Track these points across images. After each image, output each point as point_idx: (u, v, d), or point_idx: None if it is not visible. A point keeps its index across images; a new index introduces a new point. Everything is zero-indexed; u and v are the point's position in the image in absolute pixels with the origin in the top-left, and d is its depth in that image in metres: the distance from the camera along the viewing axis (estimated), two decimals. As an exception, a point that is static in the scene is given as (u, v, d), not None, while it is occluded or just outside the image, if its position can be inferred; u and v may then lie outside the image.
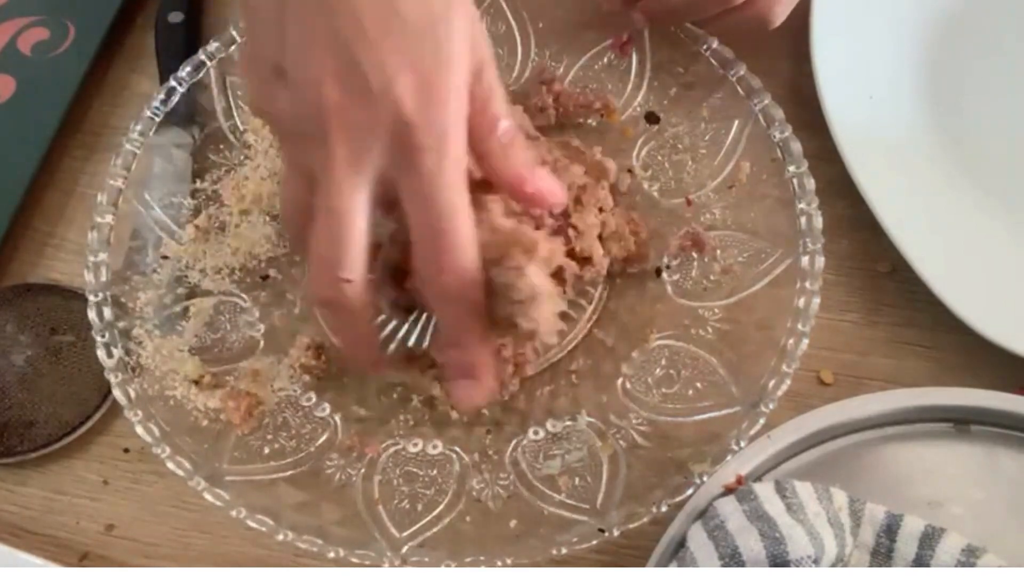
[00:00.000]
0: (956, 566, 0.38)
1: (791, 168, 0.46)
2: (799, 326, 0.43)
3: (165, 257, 0.48)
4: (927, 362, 0.49)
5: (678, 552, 0.40)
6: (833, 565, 0.39)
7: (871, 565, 0.40)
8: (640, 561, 0.42)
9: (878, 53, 0.54)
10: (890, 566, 0.40)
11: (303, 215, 0.37)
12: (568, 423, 0.46)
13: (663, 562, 0.40)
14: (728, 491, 0.41)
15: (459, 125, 0.35)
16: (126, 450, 0.49)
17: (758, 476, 0.42)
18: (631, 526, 0.40)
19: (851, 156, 0.50)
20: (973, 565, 0.38)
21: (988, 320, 0.46)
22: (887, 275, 0.51)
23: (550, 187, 0.39)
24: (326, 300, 0.37)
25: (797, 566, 0.37)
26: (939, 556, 0.39)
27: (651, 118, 0.51)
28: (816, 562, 0.37)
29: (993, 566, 0.38)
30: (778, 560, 0.37)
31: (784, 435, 0.42)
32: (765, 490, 0.40)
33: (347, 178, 0.35)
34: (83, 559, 0.46)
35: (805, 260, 0.44)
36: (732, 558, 0.38)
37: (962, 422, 0.43)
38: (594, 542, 0.40)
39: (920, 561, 0.39)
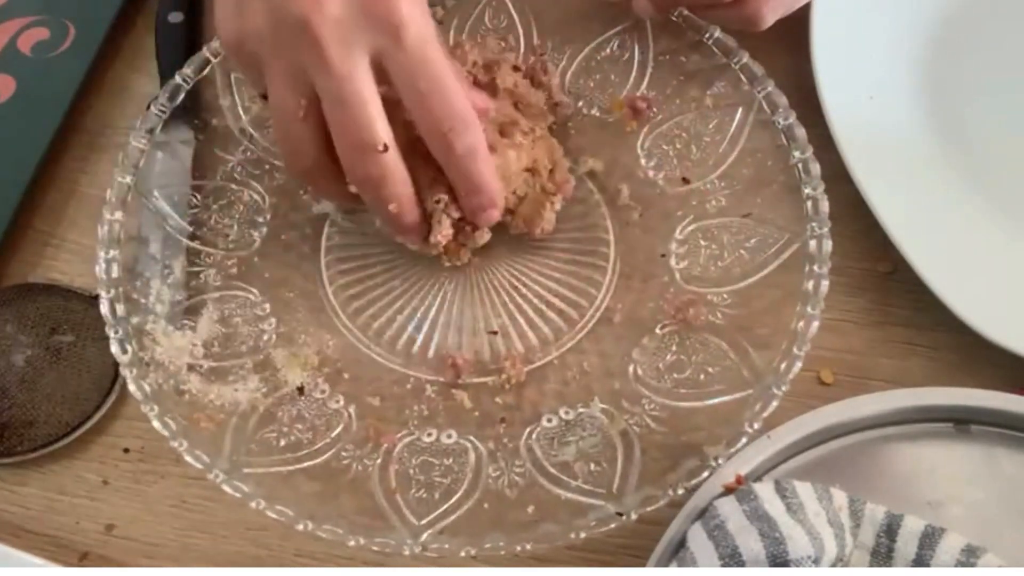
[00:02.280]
0: (956, 566, 0.38)
1: (796, 154, 0.47)
2: (809, 309, 0.43)
3: (179, 253, 0.48)
4: (927, 362, 0.49)
5: (678, 552, 0.40)
6: (833, 565, 0.39)
7: (871, 565, 0.40)
8: (640, 561, 0.42)
9: (878, 53, 0.54)
10: (890, 566, 0.40)
11: (303, 122, 0.40)
12: (581, 410, 0.46)
13: (663, 562, 0.40)
14: (728, 491, 0.41)
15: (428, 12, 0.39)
16: (126, 450, 0.49)
17: (758, 476, 0.42)
18: (648, 509, 0.41)
19: (851, 156, 0.50)
20: (973, 565, 0.38)
21: (988, 320, 0.46)
22: (887, 275, 0.51)
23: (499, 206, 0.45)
24: (372, 178, 0.41)
25: (797, 566, 0.37)
26: (939, 556, 0.39)
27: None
28: (816, 562, 0.37)
29: (993, 566, 0.38)
30: (778, 560, 0.37)
31: (784, 435, 0.42)
32: (765, 490, 0.40)
33: (344, 61, 0.38)
34: (83, 559, 0.46)
35: (813, 244, 0.45)
36: (732, 558, 0.38)
37: (962, 422, 0.43)
38: (612, 526, 0.40)
39: (920, 561, 0.39)
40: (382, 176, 0.41)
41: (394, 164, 0.41)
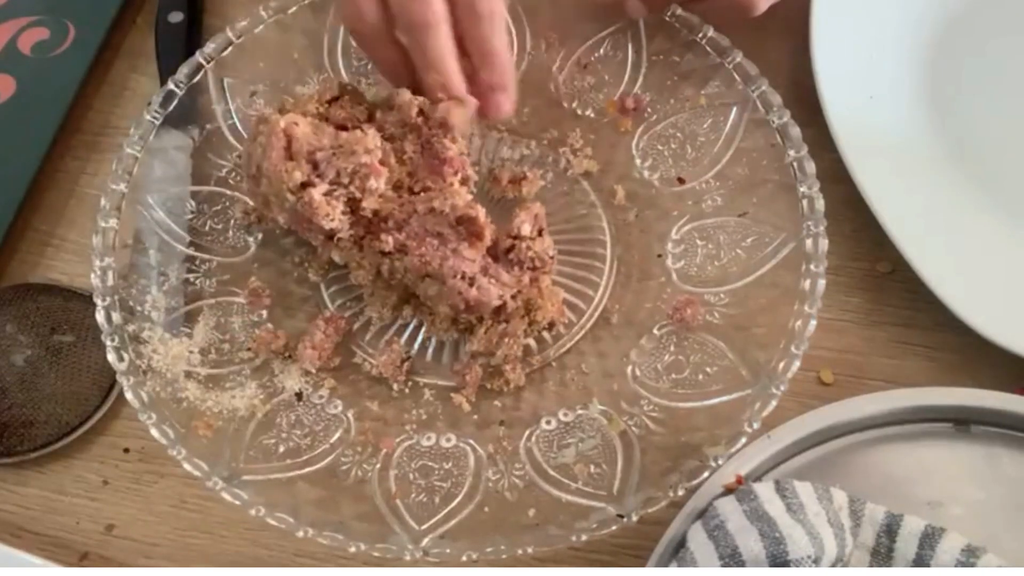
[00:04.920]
0: (956, 566, 0.38)
1: (791, 153, 0.47)
2: (806, 308, 0.43)
3: (175, 260, 0.48)
4: (927, 362, 0.49)
5: (678, 552, 0.40)
6: (833, 565, 0.39)
7: (871, 565, 0.40)
8: (640, 561, 0.42)
9: (878, 53, 0.54)
10: (890, 566, 0.40)
11: None
12: (580, 412, 0.46)
13: (663, 562, 0.40)
14: (728, 491, 0.41)
15: None
16: (126, 450, 0.49)
17: (758, 476, 0.42)
18: (649, 510, 0.41)
19: (851, 156, 0.50)
20: (973, 565, 0.38)
21: (988, 320, 0.46)
22: (887, 275, 0.51)
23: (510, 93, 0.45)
24: (418, 24, 0.43)
25: (797, 566, 0.37)
26: (939, 556, 0.39)
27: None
28: (816, 562, 0.38)
29: (993, 566, 0.38)
30: (778, 560, 0.37)
31: (784, 435, 0.43)
32: (765, 490, 0.40)
33: None
34: (83, 559, 0.47)
35: (809, 243, 0.45)
36: (732, 558, 0.38)
37: (962, 422, 0.43)
38: (613, 528, 0.40)
39: (920, 561, 0.39)
40: (428, 23, 0.42)
41: (442, 13, 0.42)
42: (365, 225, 0.44)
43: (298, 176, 0.42)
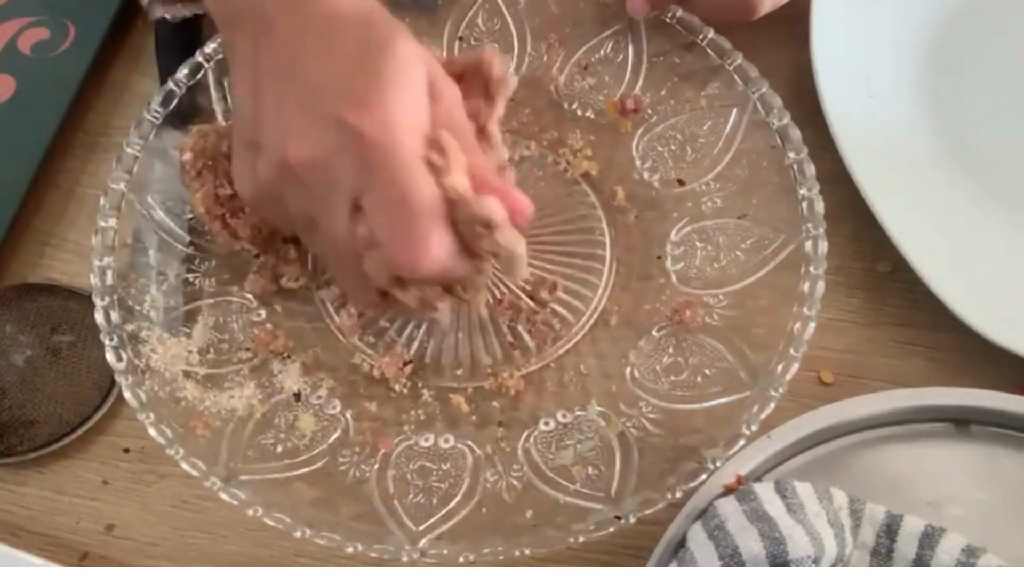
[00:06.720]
0: (956, 566, 0.38)
1: (791, 155, 0.47)
2: (805, 310, 0.43)
3: (174, 259, 0.48)
4: (927, 362, 0.49)
5: (678, 552, 0.40)
6: (833, 565, 0.39)
7: (871, 565, 0.40)
8: (640, 561, 0.42)
9: (878, 53, 0.54)
10: (890, 566, 0.40)
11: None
12: (578, 413, 0.46)
13: (663, 562, 0.40)
14: (728, 491, 0.41)
15: (405, 121, 0.35)
16: (126, 450, 0.49)
17: (758, 476, 0.42)
18: (647, 512, 0.40)
19: (851, 155, 0.50)
20: (973, 565, 0.38)
21: (988, 320, 0.46)
22: (887, 275, 0.51)
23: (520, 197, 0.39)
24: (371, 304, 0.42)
25: (797, 566, 0.37)
26: (939, 556, 0.39)
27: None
28: (816, 562, 0.38)
29: (993, 566, 0.38)
30: (778, 560, 0.37)
31: (784, 435, 0.42)
32: (765, 490, 0.40)
33: (331, 212, 0.37)
34: (83, 559, 0.47)
35: (808, 245, 0.45)
36: (732, 558, 0.38)
37: (962, 422, 0.43)
38: (611, 529, 0.40)
39: (920, 561, 0.39)
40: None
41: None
42: None
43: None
